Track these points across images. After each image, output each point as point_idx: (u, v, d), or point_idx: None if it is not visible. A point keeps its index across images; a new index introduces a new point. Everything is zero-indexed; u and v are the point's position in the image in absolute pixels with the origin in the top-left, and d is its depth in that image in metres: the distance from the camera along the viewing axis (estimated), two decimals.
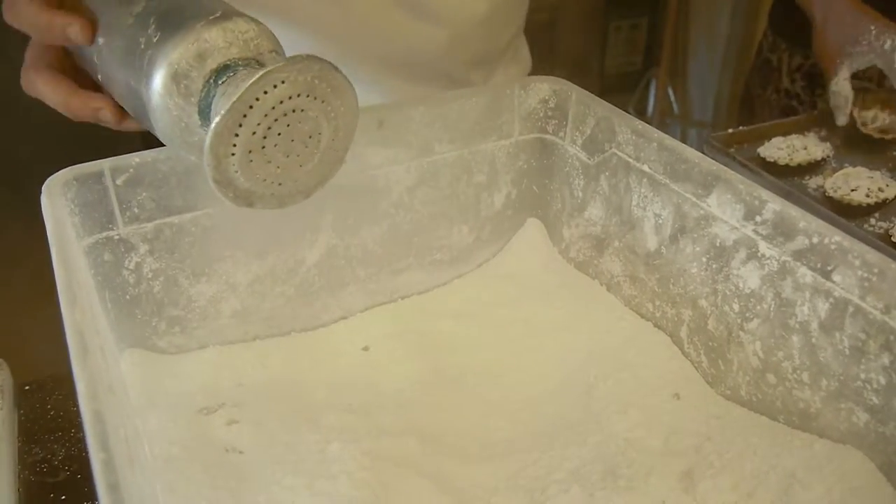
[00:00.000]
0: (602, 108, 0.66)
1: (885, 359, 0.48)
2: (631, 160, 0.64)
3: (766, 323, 0.55)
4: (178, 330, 0.63)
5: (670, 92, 2.36)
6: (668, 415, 0.58)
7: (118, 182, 0.58)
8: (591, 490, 0.51)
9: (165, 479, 0.52)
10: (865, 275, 0.48)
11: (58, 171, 0.57)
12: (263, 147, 0.47)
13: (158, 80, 0.48)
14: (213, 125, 0.45)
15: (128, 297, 0.61)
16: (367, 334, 0.67)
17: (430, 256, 0.71)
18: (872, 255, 0.48)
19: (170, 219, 0.60)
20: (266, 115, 0.46)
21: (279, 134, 0.47)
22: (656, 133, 0.62)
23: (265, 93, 0.46)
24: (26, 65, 0.57)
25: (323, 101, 0.48)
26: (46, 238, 0.52)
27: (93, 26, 0.52)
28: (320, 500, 0.50)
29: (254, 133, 0.46)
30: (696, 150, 0.60)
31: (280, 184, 0.49)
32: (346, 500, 0.50)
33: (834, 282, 0.50)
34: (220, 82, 0.47)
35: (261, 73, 0.45)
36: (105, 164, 0.57)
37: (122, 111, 0.55)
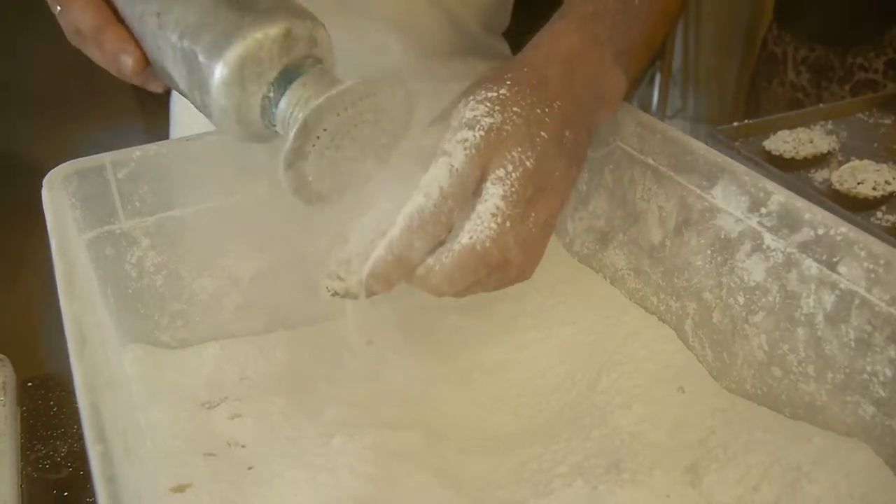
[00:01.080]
0: None
1: (892, 351, 0.48)
2: (635, 153, 0.64)
3: (772, 315, 0.55)
4: (180, 324, 0.63)
5: (675, 86, 2.35)
6: (672, 408, 0.58)
7: (119, 176, 0.58)
8: (595, 484, 0.51)
9: (168, 472, 0.52)
10: (871, 266, 0.48)
11: (58, 164, 0.57)
12: (330, 151, 0.48)
13: (232, 56, 0.47)
14: (292, 136, 0.46)
15: (130, 291, 0.61)
16: (371, 328, 0.67)
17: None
18: (879, 247, 0.48)
19: (171, 212, 0.60)
20: (338, 131, 0.48)
21: (344, 141, 0.48)
22: (660, 125, 0.62)
23: (346, 109, 0.47)
24: None
25: (386, 114, 0.49)
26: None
27: (143, 55, 0.52)
28: (323, 494, 0.50)
29: (327, 149, 0.48)
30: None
31: (336, 181, 0.50)
32: (348, 493, 0.50)
33: (840, 274, 0.50)
34: (293, 81, 0.47)
35: (353, 83, 0.46)
36: (106, 157, 0.57)
37: (145, 64, 0.52)
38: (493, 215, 0.48)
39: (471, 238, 0.48)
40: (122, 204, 0.58)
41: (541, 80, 0.52)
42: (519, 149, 0.49)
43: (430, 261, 0.49)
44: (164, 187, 0.59)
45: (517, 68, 0.53)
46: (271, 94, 0.48)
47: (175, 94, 0.92)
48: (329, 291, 0.53)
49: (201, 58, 0.48)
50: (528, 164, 0.49)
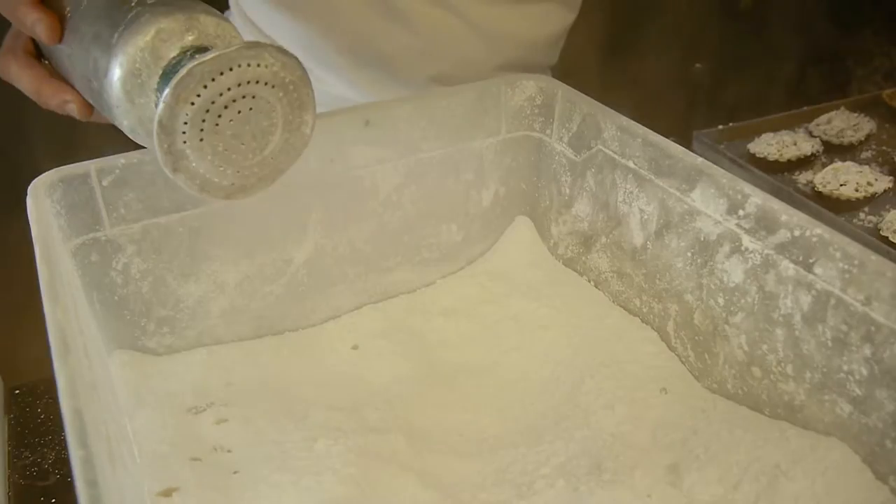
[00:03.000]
0: (588, 105, 0.67)
1: (867, 350, 0.48)
2: (616, 156, 0.65)
3: (751, 316, 0.56)
4: (166, 330, 0.64)
5: None
6: (655, 409, 0.58)
7: (104, 183, 0.58)
8: (577, 484, 0.51)
9: (154, 477, 0.53)
10: (846, 267, 0.49)
11: (44, 172, 0.57)
12: (217, 127, 0.46)
13: (115, 75, 0.47)
14: (162, 99, 0.44)
15: (116, 298, 0.61)
16: (357, 333, 0.67)
17: (419, 255, 0.71)
18: (853, 248, 0.48)
19: (157, 219, 0.60)
20: (220, 95, 0.46)
21: (231, 120, 0.47)
22: (641, 129, 0.62)
23: (221, 74, 0.45)
24: (3, 48, 0.58)
25: (280, 93, 0.48)
26: None
27: (60, 27, 0.52)
28: (306, 497, 0.51)
29: (205, 115, 0.46)
30: None
31: (230, 171, 0.49)
32: (332, 496, 0.50)
33: (816, 274, 0.50)
34: (176, 68, 0.46)
35: (213, 54, 0.44)
36: (91, 165, 0.58)
37: (88, 105, 0.55)
38: None
39: None
40: (108, 211, 0.58)
41: None
42: None
43: None
44: (149, 194, 0.59)
45: None
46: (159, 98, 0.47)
47: None
48: None
49: (96, 85, 0.49)
50: None
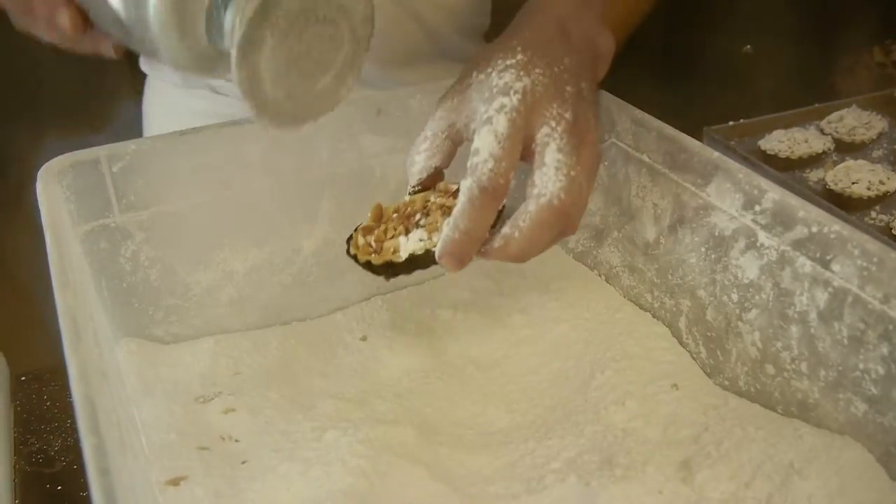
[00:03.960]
0: (601, 98, 0.66)
1: (884, 349, 0.48)
2: (630, 150, 0.64)
3: (765, 313, 0.55)
4: (174, 318, 0.63)
5: None
6: (666, 405, 0.58)
7: (114, 169, 0.57)
8: (588, 479, 0.51)
9: (162, 466, 0.52)
10: (864, 264, 0.48)
11: (53, 158, 0.57)
12: (294, 60, 0.46)
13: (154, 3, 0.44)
14: (234, 57, 0.43)
15: (124, 285, 0.61)
16: (366, 324, 0.67)
17: None
18: (872, 245, 0.48)
19: (166, 206, 0.60)
20: (287, 35, 0.45)
21: (304, 44, 0.46)
22: (656, 122, 0.62)
23: (283, 14, 0.44)
24: None
25: (351, 35, 0.47)
26: (42, 227, 0.51)
27: None
28: (315, 488, 0.50)
29: (279, 53, 0.45)
30: None
31: (298, 98, 0.48)
32: (341, 487, 0.50)
33: (833, 271, 0.50)
34: None
35: None
36: (101, 151, 0.57)
37: (81, 20, 0.50)
38: (557, 169, 0.49)
39: (545, 196, 0.49)
40: (117, 198, 0.58)
41: (546, 41, 0.54)
42: (555, 105, 0.51)
43: (507, 230, 0.50)
44: (159, 181, 0.59)
45: (520, 35, 0.55)
46: (217, 13, 0.45)
47: (147, 92, 0.91)
48: (360, 260, 0.54)
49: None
50: (567, 116, 0.51)
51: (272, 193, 0.62)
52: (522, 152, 0.51)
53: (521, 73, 0.51)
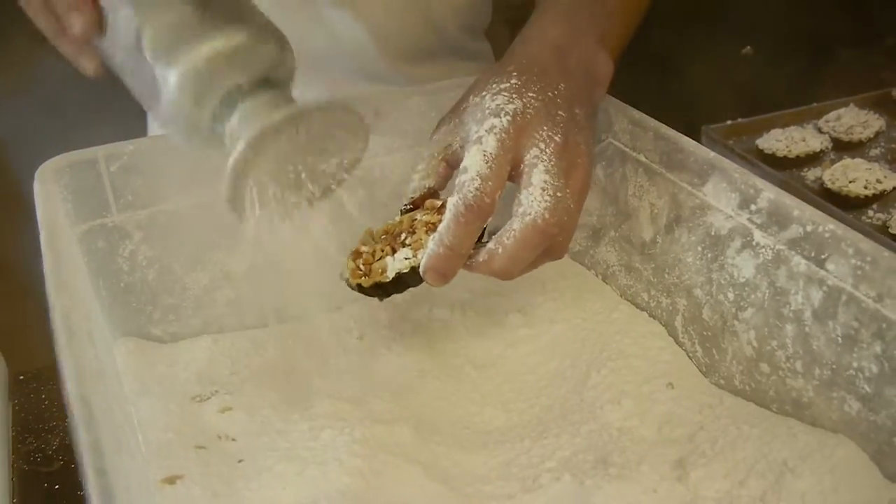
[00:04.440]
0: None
1: (878, 347, 0.48)
2: (627, 149, 0.64)
3: (761, 312, 0.55)
4: (172, 318, 0.64)
5: None
6: (661, 404, 0.58)
7: (112, 169, 0.58)
8: (583, 478, 0.51)
9: (159, 464, 0.52)
10: (858, 263, 0.48)
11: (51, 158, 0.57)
12: (279, 172, 0.47)
13: (194, 62, 0.45)
14: (236, 153, 0.44)
15: (122, 284, 0.61)
16: (362, 323, 0.67)
17: None
18: (866, 244, 0.48)
19: (164, 206, 0.60)
20: (286, 151, 0.47)
21: (293, 165, 0.48)
22: (653, 122, 0.62)
23: (296, 132, 0.46)
24: None
25: (339, 142, 0.49)
26: None
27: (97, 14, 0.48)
28: (311, 487, 0.50)
29: (271, 163, 0.46)
30: None
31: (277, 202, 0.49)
32: (337, 486, 0.50)
33: (827, 270, 0.50)
34: (248, 99, 0.46)
35: (290, 111, 0.45)
36: (99, 150, 0.57)
37: (94, 30, 0.48)
38: (543, 189, 0.50)
39: (529, 214, 0.50)
40: (115, 197, 0.58)
41: (542, 68, 0.55)
42: (545, 128, 0.52)
43: (491, 245, 0.51)
44: (156, 181, 0.59)
45: (516, 60, 0.56)
46: (225, 106, 0.46)
47: None
48: (351, 284, 0.56)
49: (182, 36, 0.46)
50: (557, 139, 0.52)
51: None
52: (511, 173, 0.52)
53: (514, 96, 0.53)
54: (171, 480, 0.51)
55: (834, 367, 0.51)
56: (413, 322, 0.67)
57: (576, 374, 0.61)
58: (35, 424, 0.66)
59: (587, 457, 0.54)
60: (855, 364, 0.49)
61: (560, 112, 0.53)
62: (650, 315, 0.65)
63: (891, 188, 0.91)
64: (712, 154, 0.58)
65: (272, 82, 0.47)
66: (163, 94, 0.46)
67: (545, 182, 0.50)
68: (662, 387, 0.59)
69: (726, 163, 0.57)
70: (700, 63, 1.46)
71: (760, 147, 1.00)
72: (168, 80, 0.45)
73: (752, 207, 0.54)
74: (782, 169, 0.97)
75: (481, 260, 0.51)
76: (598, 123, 0.66)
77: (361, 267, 0.56)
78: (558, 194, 0.50)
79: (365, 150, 0.51)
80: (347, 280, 0.56)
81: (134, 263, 0.61)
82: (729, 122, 1.04)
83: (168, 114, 0.47)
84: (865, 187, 0.90)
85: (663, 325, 0.64)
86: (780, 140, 0.99)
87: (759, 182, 0.54)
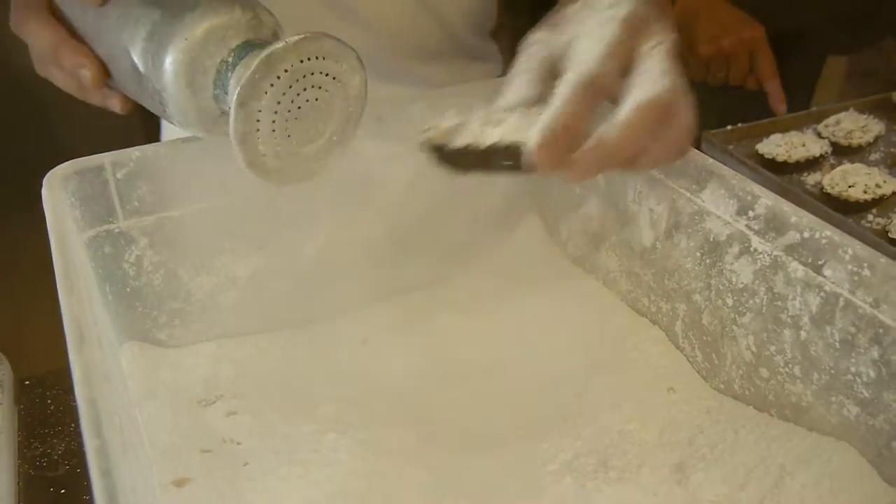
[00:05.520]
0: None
1: (875, 352, 0.48)
2: None
3: (759, 317, 0.56)
4: (178, 322, 0.64)
5: None
6: (662, 408, 0.59)
7: (118, 176, 0.58)
8: (583, 481, 0.52)
9: (164, 468, 0.53)
10: (855, 269, 0.49)
11: (58, 165, 0.58)
12: (288, 112, 0.48)
13: (173, 56, 0.48)
14: (233, 102, 0.46)
15: (128, 289, 0.62)
16: (366, 328, 0.68)
17: (429, 251, 0.71)
18: (862, 250, 0.49)
19: (170, 212, 0.61)
20: (297, 81, 0.48)
21: (299, 108, 0.49)
22: None
23: (286, 70, 0.47)
24: (17, 2, 0.57)
25: (335, 78, 0.50)
26: (47, 233, 0.52)
27: (102, 66, 0.53)
28: (315, 490, 0.51)
29: (283, 94, 0.48)
30: None
31: (287, 158, 0.50)
32: (340, 489, 0.51)
33: (825, 276, 0.51)
34: (241, 58, 0.48)
35: (273, 48, 0.46)
36: (106, 157, 0.58)
37: (103, 75, 0.54)
38: (663, 72, 0.47)
39: (646, 93, 0.46)
40: (121, 204, 0.59)
41: None
42: (658, 25, 0.49)
43: (601, 128, 0.47)
44: (162, 187, 0.59)
45: None
46: (219, 81, 0.49)
47: None
48: (434, 143, 0.49)
49: (139, 58, 0.50)
50: (670, 36, 0.49)
51: (273, 199, 0.63)
52: (626, 64, 0.48)
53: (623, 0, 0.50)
54: (179, 483, 0.52)
55: (832, 371, 0.51)
56: (416, 326, 0.68)
57: (577, 378, 0.62)
58: (40, 429, 0.67)
59: (588, 460, 0.54)
60: (853, 369, 0.50)
61: (664, 15, 0.51)
62: (651, 320, 0.66)
63: (890, 193, 0.91)
64: (710, 160, 0.58)
65: (256, 44, 0.49)
66: (166, 100, 0.50)
67: (663, 68, 0.47)
68: (663, 391, 0.60)
69: (724, 169, 0.57)
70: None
71: (760, 152, 1.00)
72: (163, 85, 0.49)
73: (750, 214, 0.55)
74: (782, 174, 0.98)
75: (591, 145, 0.46)
76: None
77: (452, 129, 0.49)
78: (678, 80, 0.47)
79: (364, 99, 0.52)
80: (429, 140, 0.49)
81: (140, 269, 0.61)
82: (729, 127, 1.05)
83: (178, 113, 0.50)
84: (865, 192, 0.90)
85: (663, 331, 0.65)
86: (780, 145, 0.99)
87: (757, 188, 0.55)
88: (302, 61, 0.47)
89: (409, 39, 0.83)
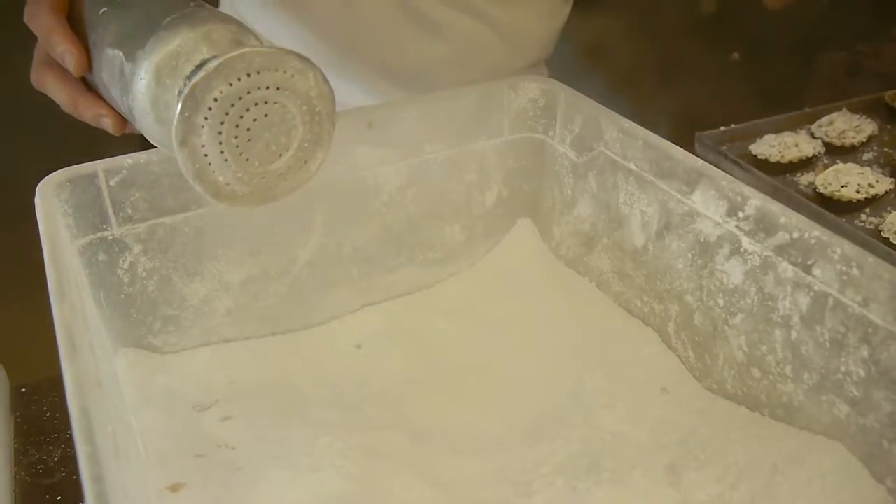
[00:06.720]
0: (590, 107, 0.67)
1: (864, 351, 0.49)
2: (618, 158, 0.65)
3: (750, 317, 0.56)
4: (172, 329, 0.64)
5: None
6: (655, 409, 0.59)
7: (111, 183, 0.59)
8: (575, 483, 0.52)
9: (159, 473, 0.53)
10: (844, 269, 0.49)
11: (52, 172, 0.58)
12: (236, 138, 0.47)
13: (140, 87, 0.48)
14: (176, 113, 0.45)
15: (122, 296, 0.62)
16: (360, 332, 0.68)
17: (422, 255, 0.72)
18: (851, 249, 0.49)
19: (163, 219, 0.61)
20: (233, 105, 0.46)
21: (248, 129, 0.47)
22: (642, 131, 0.63)
23: (230, 84, 0.45)
24: (37, 59, 0.58)
25: (307, 116, 0.48)
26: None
27: (88, 59, 0.54)
28: (309, 494, 0.51)
29: (222, 123, 0.46)
30: None
31: (233, 170, 0.48)
32: (333, 493, 0.51)
33: (814, 276, 0.51)
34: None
35: (218, 62, 0.45)
36: (98, 165, 0.58)
37: (122, 119, 0.56)
38: None
39: None
40: (115, 211, 0.59)
41: None
42: None
43: None
44: (155, 194, 0.60)
45: None
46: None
47: None
48: None
49: (121, 95, 0.51)
50: None
51: (266, 205, 0.63)
52: None
53: None
54: (175, 488, 0.52)
55: (823, 371, 0.52)
56: (409, 330, 0.68)
57: (570, 380, 0.62)
58: (37, 436, 0.67)
59: (580, 461, 0.54)
60: (843, 368, 0.50)
61: None
62: (643, 321, 0.66)
63: (883, 192, 0.92)
64: (700, 162, 0.58)
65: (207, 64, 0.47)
66: (150, 136, 0.50)
67: None
68: (656, 392, 0.60)
69: (714, 171, 0.58)
70: (691, 71, 1.48)
71: (754, 153, 1.00)
72: (141, 127, 0.50)
73: (740, 214, 0.55)
74: (775, 174, 0.98)
75: None
76: (589, 133, 0.67)
77: None
78: None
79: (320, 162, 0.50)
80: None
81: (134, 276, 0.61)
82: (722, 128, 1.05)
83: (163, 146, 0.50)
84: (858, 191, 0.91)
85: (656, 331, 0.65)
86: (773, 145, 1.00)
87: (747, 189, 0.55)
88: (231, 84, 0.45)
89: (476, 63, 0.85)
